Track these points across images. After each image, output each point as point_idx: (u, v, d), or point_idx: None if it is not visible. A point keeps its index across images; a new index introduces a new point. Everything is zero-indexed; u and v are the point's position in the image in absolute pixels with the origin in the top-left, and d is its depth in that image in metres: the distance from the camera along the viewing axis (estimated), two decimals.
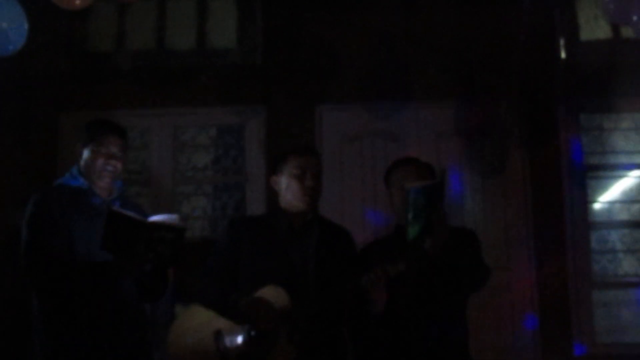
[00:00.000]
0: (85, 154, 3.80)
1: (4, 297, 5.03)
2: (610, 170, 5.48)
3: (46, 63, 5.23)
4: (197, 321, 3.75)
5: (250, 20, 5.44)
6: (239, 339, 3.62)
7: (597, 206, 5.47)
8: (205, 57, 5.41)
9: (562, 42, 5.37)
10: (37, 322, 3.86)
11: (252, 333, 3.56)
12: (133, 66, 5.33)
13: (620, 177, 5.53)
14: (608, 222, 5.44)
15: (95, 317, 3.76)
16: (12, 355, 5.01)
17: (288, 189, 3.74)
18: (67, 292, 3.75)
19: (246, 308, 3.53)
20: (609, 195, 5.56)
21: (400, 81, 5.34)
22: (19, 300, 4.34)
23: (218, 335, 3.62)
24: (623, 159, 5.49)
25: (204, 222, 5.43)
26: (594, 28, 5.43)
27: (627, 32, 5.35)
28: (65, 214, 3.78)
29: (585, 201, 5.35)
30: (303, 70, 5.33)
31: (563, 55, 5.38)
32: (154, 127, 5.37)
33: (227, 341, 3.63)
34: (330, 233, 3.88)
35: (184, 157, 5.47)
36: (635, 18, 4.34)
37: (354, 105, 5.34)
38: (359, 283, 3.50)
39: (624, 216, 5.43)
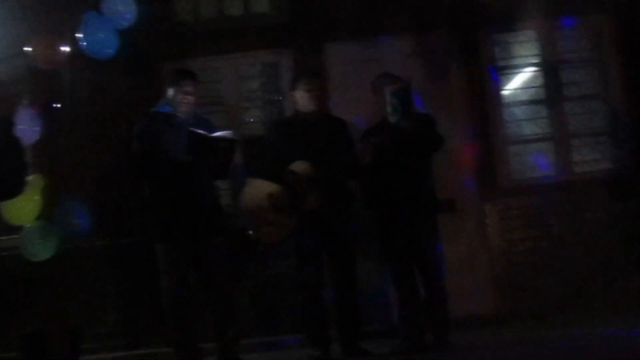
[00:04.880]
0: (171, 91, 5.06)
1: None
2: (515, 69, 7.12)
3: (154, 30, 6.67)
4: (258, 187, 5.14)
5: None
6: (284, 195, 4.98)
7: (507, 92, 7.08)
8: (251, 19, 7.02)
9: None
10: (147, 201, 5.11)
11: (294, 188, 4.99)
12: (207, 29, 6.96)
13: (521, 72, 7.15)
14: (515, 102, 7.07)
15: (182, 195, 4.90)
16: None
17: (302, 99, 5.25)
18: (164, 180, 4.94)
19: (289, 176, 5.00)
20: (515, 84, 7.14)
21: (378, 22, 6.95)
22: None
23: (271, 195, 5.04)
24: (523, 61, 7.15)
25: (259, 124, 7.04)
26: None
27: None
28: (159, 130, 4.96)
29: (499, 89, 7.05)
30: (315, 21, 7.00)
31: None
32: (222, 66, 7.04)
33: (277, 197, 4.98)
34: (334, 123, 5.38)
35: (242, 84, 7.10)
36: None
37: (349, 41, 6.94)
38: (355, 150, 4.94)
39: (524, 97, 7.11)
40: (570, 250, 6.93)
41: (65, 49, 5.67)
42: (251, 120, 7.20)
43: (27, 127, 5.53)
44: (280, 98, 7.06)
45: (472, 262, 6.83)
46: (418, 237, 5.14)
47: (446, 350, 5.10)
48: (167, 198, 4.96)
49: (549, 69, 7.16)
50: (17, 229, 6.04)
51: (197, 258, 5.01)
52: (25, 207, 5.59)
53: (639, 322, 5.56)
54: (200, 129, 4.97)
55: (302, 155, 5.07)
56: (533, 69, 7.20)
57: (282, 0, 7.07)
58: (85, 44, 5.43)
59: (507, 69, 7.21)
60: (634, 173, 7.00)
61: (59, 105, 6.17)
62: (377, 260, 5.89)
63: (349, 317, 5.24)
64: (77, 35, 5.63)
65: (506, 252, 6.91)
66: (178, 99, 5.03)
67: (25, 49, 5.76)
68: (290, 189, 4.98)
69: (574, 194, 6.96)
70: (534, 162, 7.08)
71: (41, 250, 5.71)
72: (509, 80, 7.21)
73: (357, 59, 6.97)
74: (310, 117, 5.24)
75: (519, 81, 7.21)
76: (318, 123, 5.24)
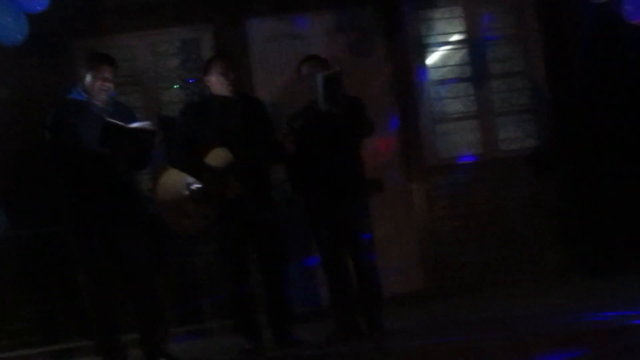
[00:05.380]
0: (87, 77, 4.91)
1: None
2: (440, 46, 7.08)
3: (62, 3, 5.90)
4: (175, 178, 5.00)
5: None
6: (202, 184, 4.84)
7: (432, 70, 7.00)
8: None
9: None
10: (64, 195, 4.95)
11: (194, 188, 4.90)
12: (119, 3, 6.60)
13: (445, 50, 7.09)
14: (440, 79, 7.03)
15: (97, 186, 4.77)
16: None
17: (218, 83, 5.03)
18: (79, 171, 4.78)
19: (203, 171, 4.82)
20: (439, 61, 7.09)
21: None
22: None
23: (189, 185, 4.94)
24: (447, 38, 7.09)
25: (179, 105, 6.38)
26: None
27: None
28: (74, 119, 4.76)
29: (425, 67, 6.96)
30: None
31: None
32: (138, 44, 6.73)
33: (195, 188, 4.90)
34: (251, 104, 5.18)
35: (159, 63, 6.83)
36: None
37: (271, 17, 6.77)
38: (275, 135, 4.92)
39: (450, 75, 7.04)
40: (495, 227, 7.00)
41: None
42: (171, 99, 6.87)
43: None
44: (201, 77, 6.58)
45: (399, 240, 6.82)
46: (347, 221, 5.05)
47: (381, 336, 5.02)
48: (81, 189, 4.84)
49: (474, 46, 7.14)
50: None
51: (115, 251, 4.87)
52: None
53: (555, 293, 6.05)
54: (118, 117, 4.81)
55: (219, 141, 4.92)
56: (458, 46, 7.18)
57: None
58: None
59: (432, 46, 7.14)
60: (556, 149, 7.08)
61: None
62: (302, 241, 5.90)
63: (279, 305, 5.13)
64: None
65: (433, 231, 6.93)
66: (96, 85, 4.86)
67: None
68: (208, 179, 4.86)
69: (499, 171, 7.01)
70: (460, 140, 7.08)
71: None
72: (433, 57, 7.14)
73: (280, 35, 6.87)
74: (226, 100, 5.07)
75: (444, 59, 7.17)
76: (234, 106, 5.07)
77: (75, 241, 4.86)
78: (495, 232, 6.97)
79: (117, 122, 4.69)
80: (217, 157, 4.89)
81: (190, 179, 4.92)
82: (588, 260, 6.89)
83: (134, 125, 4.75)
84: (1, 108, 6.33)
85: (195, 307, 6.61)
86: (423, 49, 7.07)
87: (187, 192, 4.90)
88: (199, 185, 4.90)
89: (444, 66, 7.15)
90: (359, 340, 5.05)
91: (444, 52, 7.17)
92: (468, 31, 7.15)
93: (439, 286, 6.84)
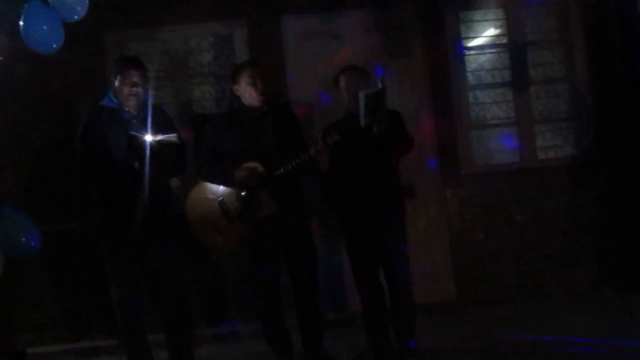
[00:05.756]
0: (116, 83, 4.74)
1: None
2: (480, 49, 6.91)
3: None
4: (206, 193, 4.83)
5: None
6: (236, 202, 4.68)
7: (469, 73, 6.83)
8: None
9: None
10: (94, 201, 4.85)
11: (243, 194, 4.68)
12: None
13: (486, 53, 6.93)
14: (479, 84, 6.88)
15: (128, 196, 4.62)
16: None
17: (246, 93, 4.81)
18: (110, 181, 4.66)
19: (239, 175, 4.65)
20: (478, 64, 6.90)
21: None
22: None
23: (221, 201, 4.77)
24: (489, 41, 6.96)
25: (210, 102, 6.70)
26: None
27: None
28: (105, 128, 4.63)
29: (464, 71, 6.79)
30: None
31: None
32: (171, 38, 6.59)
33: (229, 205, 4.73)
34: (281, 115, 4.93)
35: (192, 58, 6.71)
36: None
37: (307, 14, 6.56)
38: (309, 152, 4.62)
39: (489, 80, 6.88)
40: (530, 237, 6.82)
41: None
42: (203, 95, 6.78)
43: None
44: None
45: (432, 248, 6.66)
46: (383, 237, 4.89)
47: (414, 356, 4.90)
48: (112, 197, 4.70)
49: (514, 50, 6.92)
50: None
51: (146, 262, 4.75)
52: None
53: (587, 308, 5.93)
54: (153, 121, 4.65)
55: (251, 154, 4.74)
56: (498, 49, 6.99)
57: None
58: (26, 35, 4.76)
59: (472, 49, 6.97)
60: (595, 159, 6.89)
61: None
62: (330, 246, 5.86)
63: (311, 320, 4.95)
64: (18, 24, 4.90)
65: (466, 239, 6.77)
66: (124, 91, 4.68)
67: None
68: (242, 195, 4.70)
69: (536, 180, 6.83)
70: (497, 147, 6.91)
71: None
72: (473, 60, 6.98)
73: (315, 33, 6.68)
74: (256, 111, 4.85)
75: (483, 62, 7.00)
76: (265, 118, 4.85)
77: (105, 247, 4.75)
78: (529, 242, 6.80)
79: (140, 135, 4.54)
80: (250, 171, 4.75)
81: (222, 194, 4.78)
82: (623, 275, 6.71)
83: (159, 137, 4.57)
84: (32, 101, 6.23)
85: (224, 309, 6.52)
86: (462, 52, 6.88)
87: (219, 208, 4.75)
88: (232, 200, 4.75)
89: (483, 70, 6.98)
90: (391, 357, 4.91)
91: (484, 55, 7.01)
92: (509, 34, 6.95)
93: (471, 297, 6.70)
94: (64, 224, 6.21)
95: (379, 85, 4.62)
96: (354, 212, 4.88)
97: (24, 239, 4.72)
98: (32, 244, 4.77)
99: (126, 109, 4.71)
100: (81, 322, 6.44)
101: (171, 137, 4.61)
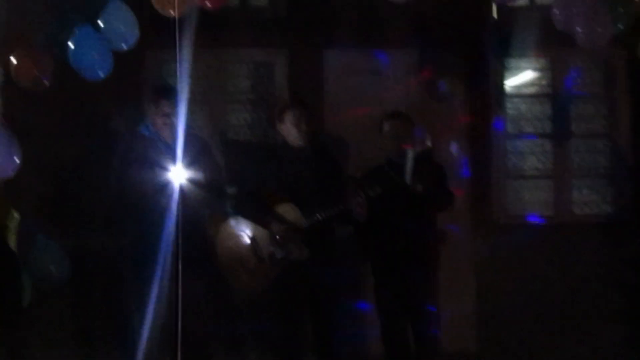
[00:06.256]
0: (150, 111, 4.73)
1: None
2: (523, 99, 6.75)
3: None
4: (237, 228, 4.74)
5: None
6: (268, 244, 4.62)
7: (509, 121, 6.69)
8: (246, 12, 6.47)
9: (494, 6, 6.48)
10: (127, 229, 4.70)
11: (277, 237, 4.63)
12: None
13: (526, 101, 6.75)
14: (518, 133, 6.71)
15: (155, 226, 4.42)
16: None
17: (290, 133, 4.80)
18: (139, 214, 4.55)
19: (275, 230, 4.59)
20: (519, 113, 6.74)
21: (381, 32, 6.45)
22: None
23: (253, 240, 4.73)
24: (531, 90, 6.80)
25: (245, 129, 6.58)
26: None
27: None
28: (139, 158, 4.58)
29: (505, 118, 6.62)
30: (315, 23, 6.42)
31: (494, 15, 6.53)
32: (210, 61, 6.48)
33: (260, 243, 4.67)
34: (324, 159, 4.89)
35: (231, 83, 6.63)
36: (579, 29, 4.96)
37: (350, 49, 6.44)
38: (349, 203, 4.59)
39: (528, 129, 6.72)
40: (559, 294, 6.64)
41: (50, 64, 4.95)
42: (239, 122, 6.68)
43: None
44: (275, 101, 6.50)
45: (458, 297, 6.46)
46: (415, 293, 4.82)
47: None
48: (141, 230, 4.59)
49: (557, 101, 6.81)
50: None
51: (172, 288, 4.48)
52: None
53: None
54: (189, 150, 4.52)
55: (289, 197, 4.67)
56: (540, 99, 6.84)
57: None
58: (74, 61, 4.75)
59: (513, 97, 6.82)
60: (632, 219, 6.73)
61: None
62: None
63: None
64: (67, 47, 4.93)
65: (494, 291, 6.58)
66: (158, 121, 4.61)
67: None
68: (275, 236, 4.60)
69: (570, 235, 6.65)
70: (532, 199, 6.77)
71: None
72: (514, 109, 6.82)
73: (357, 69, 6.58)
74: (299, 151, 4.77)
75: (524, 111, 6.84)
76: (306, 160, 4.79)
77: (128, 276, 4.69)
78: (557, 299, 6.61)
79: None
80: (285, 213, 4.65)
81: (255, 232, 4.68)
82: None
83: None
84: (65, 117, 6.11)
85: (242, 345, 6.32)
86: (503, 99, 6.76)
87: (250, 245, 4.63)
88: (265, 240, 4.65)
89: (523, 119, 6.84)
90: None
91: (525, 104, 6.85)
92: (553, 85, 6.84)
93: (493, 349, 6.52)
94: (88, 243, 6.06)
95: (428, 144, 4.63)
96: (387, 264, 4.79)
97: (53, 269, 4.60)
98: (62, 273, 4.65)
99: (162, 139, 4.61)
100: (96, 343, 6.26)
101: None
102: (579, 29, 4.99)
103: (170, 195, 4.36)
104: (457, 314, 6.37)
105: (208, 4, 4.93)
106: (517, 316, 6.58)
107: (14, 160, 4.69)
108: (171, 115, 4.56)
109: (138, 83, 6.27)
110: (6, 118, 5.05)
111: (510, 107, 6.81)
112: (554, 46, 6.57)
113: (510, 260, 6.58)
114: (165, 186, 4.39)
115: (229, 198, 4.90)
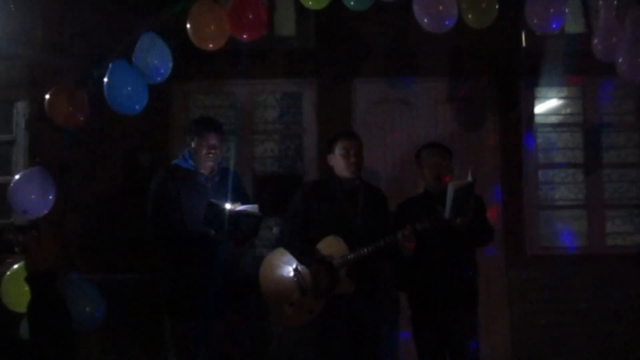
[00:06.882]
0: (193, 144, 4.59)
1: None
2: (554, 128, 6.69)
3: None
4: (283, 260, 4.65)
5: (305, 15, 6.31)
6: (312, 275, 4.47)
7: (541, 151, 6.60)
8: (274, 42, 6.42)
9: (523, 35, 6.44)
10: (164, 267, 4.61)
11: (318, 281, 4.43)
12: (225, 49, 5.90)
13: (559, 131, 6.70)
14: (550, 163, 6.64)
15: (201, 268, 4.42)
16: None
17: (338, 164, 4.66)
18: (181, 250, 4.48)
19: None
20: (550, 142, 6.67)
21: (410, 62, 6.43)
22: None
23: (297, 271, 4.59)
24: (563, 119, 6.73)
25: (272, 160, 6.54)
26: None
27: (567, 29, 6.56)
28: (178, 190, 4.47)
29: (536, 148, 6.56)
30: (343, 53, 6.43)
31: (524, 44, 6.48)
32: (238, 92, 6.47)
33: (304, 276, 4.53)
34: (372, 194, 4.75)
35: (258, 113, 6.56)
36: (620, 59, 4.89)
37: (379, 79, 6.44)
38: (395, 236, 4.41)
39: (560, 159, 6.64)
40: (593, 326, 6.48)
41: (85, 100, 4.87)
42: (266, 153, 6.65)
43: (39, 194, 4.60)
44: (303, 132, 6.56)
45: (492, 330, 6.35)
46: (456, 329, 4.67)
47: None
48: (183, 270, 4.49)
49: (588, 131, 6.70)
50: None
51: (210, 334, 4.50)
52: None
53: None
54: (225, 184, 4.51)
55: (335, 227, 4.55)
56: (572, 128, 6.76)
57: (310, 25, 6.48)
58: (110, 95, 4.69)
59: (545, 126, 6.75)
60: None
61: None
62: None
63: None
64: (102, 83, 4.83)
65: (527, 323, 6.46)
66: (202, 153, 4.52)
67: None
68: (320, 269, 4.48)
69: (603, 267, 6.49)
70: (565, 230, 6.62)
71: None
72: (546, 138, 6.73)
73: (386, 99, 6.53)
74: (348, 183, 4.66)
75: (556, 140, 6.76)
76: (356, 192, 4.67)
77: (169, 323, 4.54)
78: (591, 331, 6.45)
79: (222, 204, 4.31)
80: (331, 245, 4.52)
81: (298, 264, 4.59)
82: None
83: (240, 208, 4.34)
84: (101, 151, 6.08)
85: None
86: (535, 128, 6.66)
87: (294, 278, 4.52)
88: (308, 272, 4.54)
89: (555, 149, 6.75)
90: None
91: (557, 133, 6.77)
92: (584, 114, 6.72)
93: None
94: (123, 273, 5.98)
95: (469, 178, 4.39)
96: (427, 299, 4.69)
97: (88, 310, 4.49)
98: (97, 314, 4.54)
99: (201, 171, 4.52)
100: None
101: (253, 208, 4.39)
102: (620, 60, 4.91)
103: (216, 232, 4.30)
104: (491, 349, 6.29)
105: (245, 37, 4.74)
106: (551, 349, 6.46)
107: (49, 199, 4.61)
108: (217, 147, 4.54)
109: (167, 115, 6.26)
110: (40, 155, 4.97)
111: (541, 137, 6.71)
112: (585, 75, 6.53)
113: (543, 292, 6.46)
114: (210, 223, 4.30)
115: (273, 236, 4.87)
